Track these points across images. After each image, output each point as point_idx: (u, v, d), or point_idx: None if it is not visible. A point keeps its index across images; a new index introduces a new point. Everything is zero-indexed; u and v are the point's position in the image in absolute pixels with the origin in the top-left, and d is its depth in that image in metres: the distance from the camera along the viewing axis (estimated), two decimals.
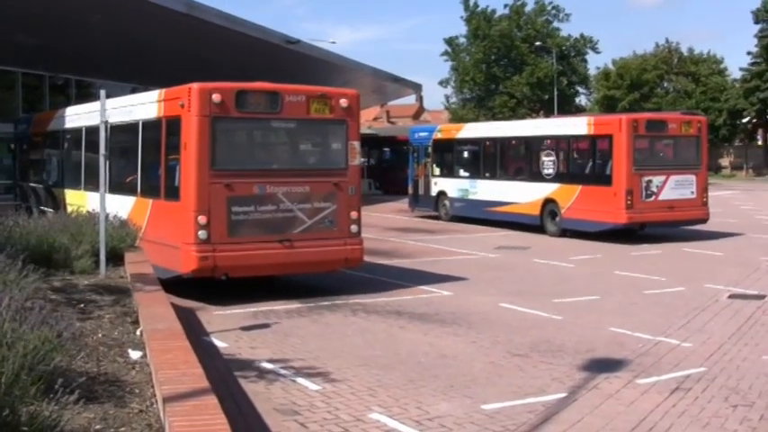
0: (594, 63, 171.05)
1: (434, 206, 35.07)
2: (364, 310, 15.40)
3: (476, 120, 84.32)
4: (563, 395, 9.96)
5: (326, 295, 16.77)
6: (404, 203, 43.87)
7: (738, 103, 76.64)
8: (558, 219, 27.94)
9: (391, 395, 9.96)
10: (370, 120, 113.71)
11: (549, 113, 77.49)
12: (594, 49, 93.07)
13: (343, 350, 12.32)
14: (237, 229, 15.92)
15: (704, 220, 27.40)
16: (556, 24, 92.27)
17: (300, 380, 10.60)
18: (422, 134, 37.32)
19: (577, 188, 27.27)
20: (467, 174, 33.58)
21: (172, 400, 6.55)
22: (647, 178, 25.96)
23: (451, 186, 34.05)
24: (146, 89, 19.20)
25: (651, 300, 16.56)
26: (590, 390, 10.20)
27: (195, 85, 15.74)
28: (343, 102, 16.84)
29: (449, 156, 35.07)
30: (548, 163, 28.75)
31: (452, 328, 13.86)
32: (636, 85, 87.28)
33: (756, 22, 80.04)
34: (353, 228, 16.94)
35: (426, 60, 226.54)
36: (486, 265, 21.52)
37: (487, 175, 32.10)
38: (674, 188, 26.43)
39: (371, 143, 56.39)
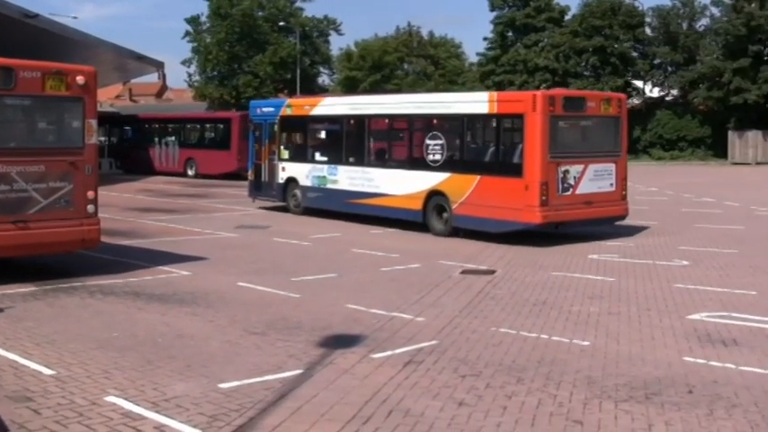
0: (338, 44, 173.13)
1: (282, 195, 29.53)
2: (101, 292, 15.12)
3: (220, 98, 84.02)
4: (300, 371, 10.14)
5: (63, 277, 16.35)
6: (146, 183, 43.39)
7: (475, 86, 79.15)
8: (447, 215, 23.35)
9: (128, 377, 9.88)
10: (112, 98, 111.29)
11: (291, 93, 77.98)
12: (338, 31, 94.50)
13: (79, 333, 12.09)
14: None
15: (623, 217, 23.50)
16: (299, 4, 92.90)
17: (34, 365, 10.34)
18: (266, 109, 31.14)
19: (475, 179, 22.61)
20: (324, 158, 27.98)
21: None
22: (563, 168, 21.67)
23: (304, 173, 28.44)
24: None
25: (387, 276, 17.04)
26: (326, 365, 10.43)
27: None
28: (80, 79, 16.42)
29: (301, 136, 29.85)
30: (434, 147, 23.85)
31: (191, 308, 13.84)
32: (377, 67, 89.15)
33: (492, 10, 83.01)
34: (90, 208, 16.56)
35: (171, 38, 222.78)
36: (225, 245, 21.51)
37: (352, 160, 26.84)
38: (593, 179, 22.34)
39: (113, 122, 55.52)
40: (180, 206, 31.93)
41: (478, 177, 22.56)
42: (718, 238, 22.54)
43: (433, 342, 11.60)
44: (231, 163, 46.06)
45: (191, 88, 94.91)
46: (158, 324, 12.73)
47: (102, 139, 51.63)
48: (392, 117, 26.56)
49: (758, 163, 63.36)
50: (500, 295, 15.05)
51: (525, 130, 21.48)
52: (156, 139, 51.86)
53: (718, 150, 67.59)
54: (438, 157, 23.76)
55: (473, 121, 23.89)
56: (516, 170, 21.63)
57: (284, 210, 28.83)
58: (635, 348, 11.39)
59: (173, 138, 51.08)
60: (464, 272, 17.52)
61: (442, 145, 23.72)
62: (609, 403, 9.11)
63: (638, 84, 77.07)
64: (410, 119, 25.50)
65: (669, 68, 76.19)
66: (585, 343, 11.65)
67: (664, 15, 75.48)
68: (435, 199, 23.61)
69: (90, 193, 16.53)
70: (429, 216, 23.75)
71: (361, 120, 27.00)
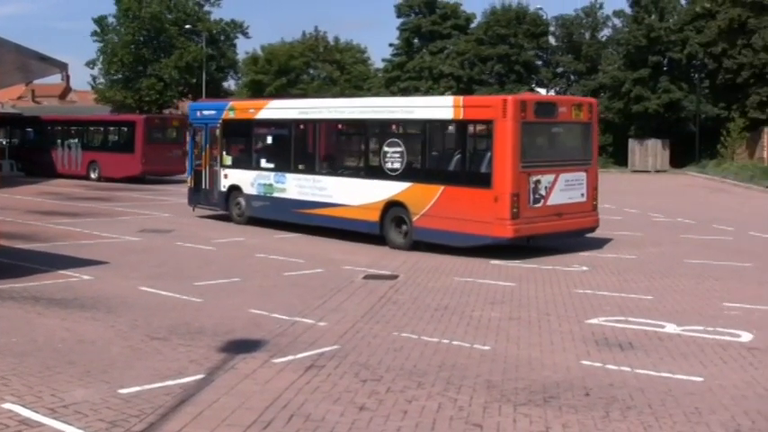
0: (244, 47, 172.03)
1: (224, 204, 27.64)
2: (0, 297, 14.89)
3: (123, 101, 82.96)
4: (201, 377, 10.14)
5: None
6: (48, 185, 42.67)
7: (380, 92, 79.41)
8: (406, 227, 21.89)
9: (26, 383, 9.75)
10: (14, 99, 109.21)
11: (196, 97, 77.40)
12: (245, 35, 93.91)
13: None
14: None
15: (594, 229, 22.45)
16: (207, 8, 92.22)
17: None
18: (207, 112, 29.06)
19: (438, 189, 21.19)
20: (271, 165, 26.16)
21: None
22: (535, 178, 20.42)
23: (249, 180, 26.59)
24: None
25: (290, 281, 17.07)
26: (227, 371, 10.43)
27: None
28: None
29: (245, 141, 27.80)
30: (393, 155, 22.31)
31: (91, 313, 13.71)
32: (283, 71, 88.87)
33: (399, 16, 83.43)
34: None
35: (75, 39, 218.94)
36: (128, 249, 21.30)
37: (301, 167, 25.18)
38: (564, 190, 21.14)
39: (14, 123, 54.72)
40: (82, 210, 31.43)
41: (442, 188, 21.19)
42: (617, 244, 22.93)
43: (335, 347, 11.67)
44: (135, 166, 45.60)
45: (93, 90, 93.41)
46: (58, 329, 12.58)
47: (4, 140, 50.57)
48: (346, 122, 25.05)
49: (657, 171, 64.58)
50: (402, 300, 15.18)
51: (495, 137, 20.24)
52: (59, 141, 50.96)
53: (619, 158, 68.74)
54: (397, 165, 22.26)
55: (436, 127, 22.35)
56: (485, 180, 20.35)
57: (188, 214, 28.58)
58: (534, 353, 11.58)
59: (76, 140, 50.26)
60: (367, 277, 17.61)
61: (401, 152, 22.25)
62: (508, 407, 9.26)
63: (542, 92, 78.07)
64: (366, 124, 23.73)
65: (572, 77, 77.35)
66: (486, 348, 11.81)
67: (567, 25, 76.65)
68: (394, 210, 22.15)
69: None
70: (387, 228, 22.31)
71: (312, 124, 25.52)
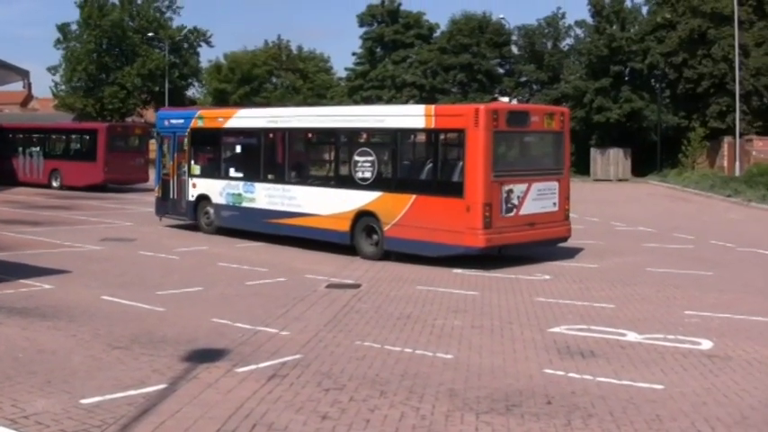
0: (208, 56, 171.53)
1: (192, 214, 27.19)
2: None
3: (83, 109, 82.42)
4: (163, 386, 10.09)
5: None
6: (9, 194, 42.38)
7: (343, 100, 79.48)
8: (377, 237, 21.71)
9: None
10: None
11: (159, 105, 77.09)
12: (208, 43, 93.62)
13: None
14: None
15: (566, 239, 22.51)
16: (168, 15, 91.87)
17: None
18: (174, 121, 28.48)
19: (410, 198, 21.04)
20: (240, 174, 25.76)
21: None
22: (507, 187, 20.29)
23: (218, 190, 26.16)
24: None
25: (253, 290, 17.03)
26: (190, 380, 10.40)
27: None
28: None
29: (214, 150, 27.48)
30: (363, 164, 22.07)
31: (53, 322, 13.61)
32: (246, 80, 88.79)
33: (361, 26, 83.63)
34: None
35: (41, 45, 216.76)
36: (90, 258, 21.16)
37: (271, 177, 24.85)
38: (536, 199, 21.02)
39: None
40: (43, 218, 31.22)
41: (414, 197, 21.00)
42: (579, 253, 23.03)
43: (298, 356, 11.65)
44: (97, 175, 45.41)
45: (54, 97, 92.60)
46: (19, 339, 12.49)
47: None
48: (316, 131, 24.86)
49: (619, 180, 64.96)
50: (365, 309, 15.18)
51: (467, 146, 20.08)
52: (20, 150, 50.62)
53: (581, 167, 69.05)
54: (368, 174, 21.99)
55: (408, 136, 22.26)
56: (457, 189, 20.18)
57: (151, 223, 28.43)
58: (497, 361, 11.62)
59: (37, 148, 49.92)
60: (329, 286, 17.59)
61: (372, 161, 21.98)
62: (470, 415, 9.28)
63: (505, 100, 78.31)
64: (337, 133, 23.51)
65: (534, 86, 77.69)
66: (449, 356, 11.83)
67: (529, 35, 76.98)
68: (365, 220, 21.90)
69: None
70: (358, 238, 22.05)
71: (281, 133, 25.18)
